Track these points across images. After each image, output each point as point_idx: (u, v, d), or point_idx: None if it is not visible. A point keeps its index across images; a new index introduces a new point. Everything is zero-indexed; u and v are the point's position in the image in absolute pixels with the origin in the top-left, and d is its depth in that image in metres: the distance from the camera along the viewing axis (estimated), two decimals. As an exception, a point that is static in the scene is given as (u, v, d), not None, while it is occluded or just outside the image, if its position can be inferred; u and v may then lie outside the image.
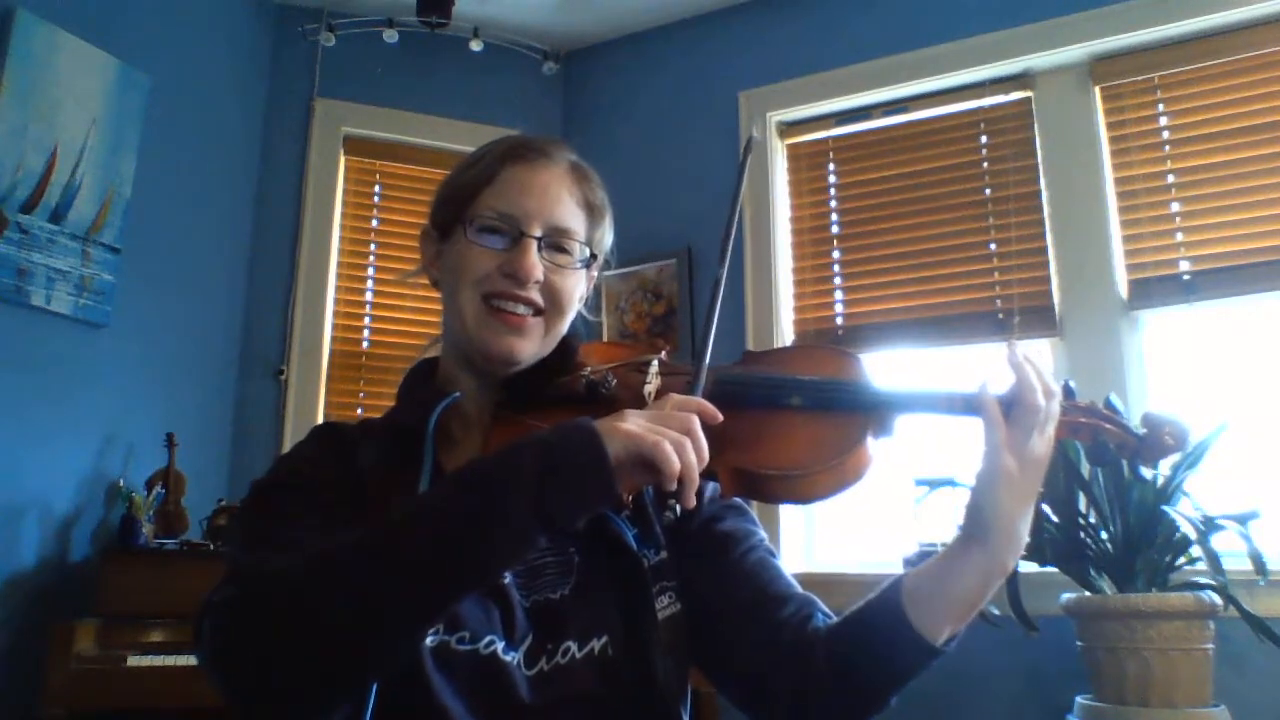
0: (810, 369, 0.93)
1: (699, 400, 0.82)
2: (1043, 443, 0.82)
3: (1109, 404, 0.91)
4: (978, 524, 0.82)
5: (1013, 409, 0.82)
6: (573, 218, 1.00)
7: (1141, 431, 0.88)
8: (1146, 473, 1.97)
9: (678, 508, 0.78)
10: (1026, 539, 0.83)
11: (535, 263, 0.96)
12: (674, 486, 0.76)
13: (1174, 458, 2.12)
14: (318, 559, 0.77)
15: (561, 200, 0.99)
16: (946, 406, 0.86)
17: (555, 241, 0.99)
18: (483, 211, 0.97)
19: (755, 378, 0.94)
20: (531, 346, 0.98)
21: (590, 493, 0.77)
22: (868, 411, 0.87)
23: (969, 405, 0.84)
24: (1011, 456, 0.80)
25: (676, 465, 0.75)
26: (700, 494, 1.00)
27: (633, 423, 0.77)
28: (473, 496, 0.76)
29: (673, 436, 0.76)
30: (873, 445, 0.86)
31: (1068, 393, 0.90)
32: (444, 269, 1.02)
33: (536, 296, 0.97)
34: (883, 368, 2.93)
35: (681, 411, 0.79)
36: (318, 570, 0.76)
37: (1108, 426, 0.88)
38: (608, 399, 0.95)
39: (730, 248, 0.96)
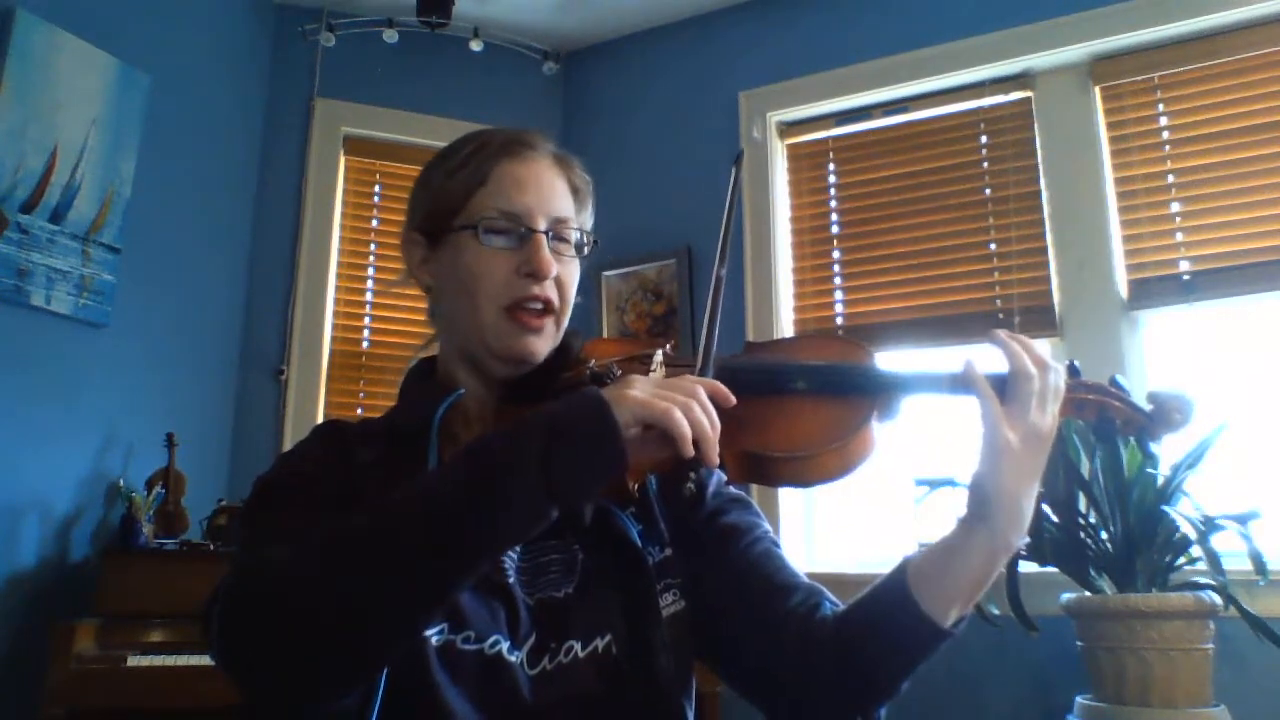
0: (813, 355, 0.94)
1: (711, 381, 0.81)
2: (1043, 416, 0.82)
3: (1114, 382, 0.91)
4: (981, 501, 0.82)
5: (1006, 382, 0.83)
6: (567, 205, 1.01)
7: (1148, 408, 0.88)
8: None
9: (698, 477, 0.76)
10: (1030, 516, 0.83)
11: (549, 257, 0.96)
12: (690, 452, 0.74)
13: (1175, 458, 2.14)
14: (320, 542, 0.75)
15: (556, 189, 1.00)
16: (947, 386, 0.87)
17: (558, 231, 0.99)
18: (485, 214, 0.96)
19: (759, 363, 0.95)
20: (548, 344, 0.99)
21: (600, 462, 0.75)
22: (872, 394, 0.88)
23: (961, 382, 0.84)
24: (1011, 430, 0.81)
25: (687, 429, 0.74)
26: (704, 488, 1.01)
27: (640, 389, 0.76)
28: (477, 472, 0.74)
29: (680, 400, 0.75)
30: (877, 427, 0.87)
31: (1072, 371, 0.90)
32: (443, 275, 1.01)
33: (553, 293, 0.97)
34: (885, 362, 2.95)
35: (691, 383, 0.78)
36: (320, 554, 0.75)
37: (1114, 403, 0.88)
38: None
39: (727, 252, 0.95)
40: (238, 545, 0.87)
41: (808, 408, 0.89)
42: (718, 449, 0.76)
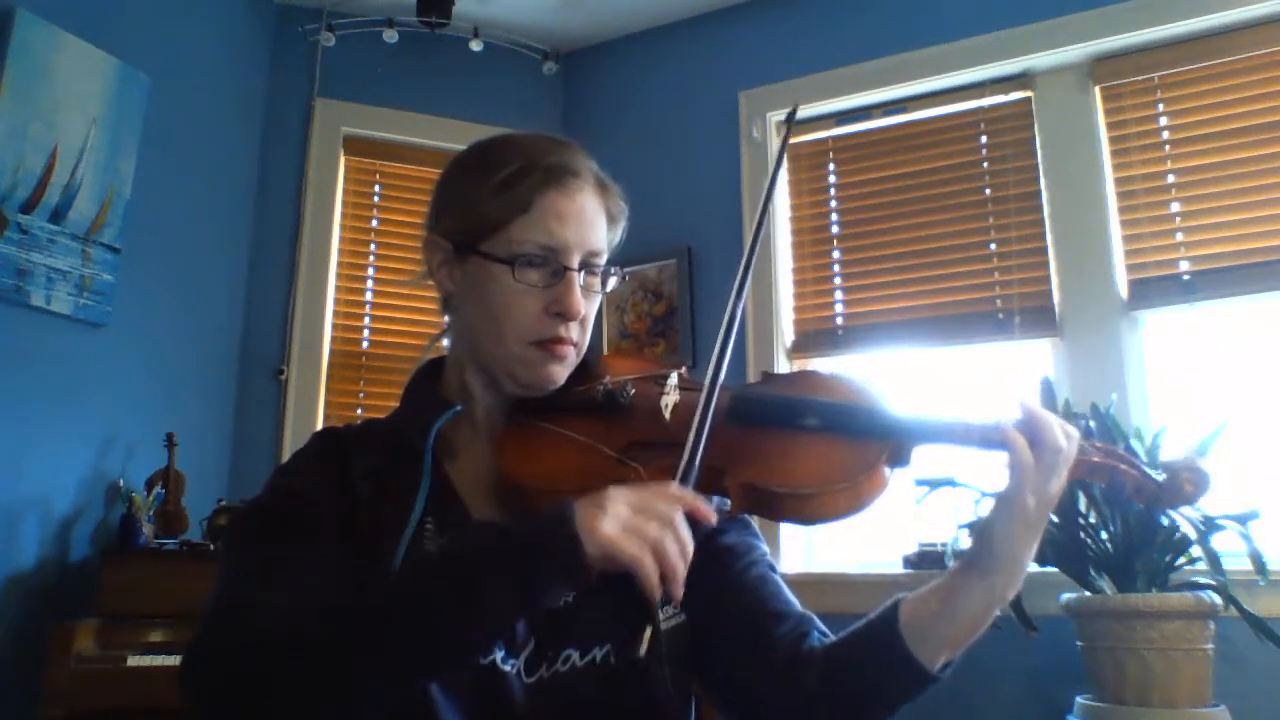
0: (828, 395, 0.94)
1: (692, 498, 0.79)
2: (1059, 484, 0.82)
3: (1128, 448, 0.90)
4: (985, 557, 0.82)
5: (1035, 449, 0.81)
6: (603, 237, 1.00)
7: (1160, 477, 0.87)
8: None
9: (655, 629, 0.77)
10: (1025, 572, 0.84)
11: (580, 299, 0.96)
12: (655, 596, 0.75)
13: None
14: (294, 626, 0.77)
15: (596, 224, 0.99)
16: (975, 439, 0.85)
17: (589, 266, 0.98)
18: (523, 248, 0.94)
19: (773, 396, 0.95)
20: (569, 370, 0.99)
21: (567, 588, 0.80)
22: (885, 438, 0.87)
23: (996, 441, 0.83)
24: (1031, 496, 0.80)
25: (655, 576, 0.74)
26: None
27: (613, 517, 0.75)
28: (461, 585, 0.76)
29: (653, 537, 0.74)
30: (887, 472, 0.86)
31: (1085, 434, 0.89)
32: (468, 290, 0.98)
33: (576, 332, 0.97)
34: (886, 372, 2.95)
35: (669, 504, 0.77)
36: (294, 641, 0.77)
37: (1125, 469, 0.87)
38: (625, 408, 0.97)
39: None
40: (220, 574, 0.89)
41: (818, 446, 0.88)
42: (682, 585, 0.75)
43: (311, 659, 0.75)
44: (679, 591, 0.75)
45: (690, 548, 0.76)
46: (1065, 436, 0.82)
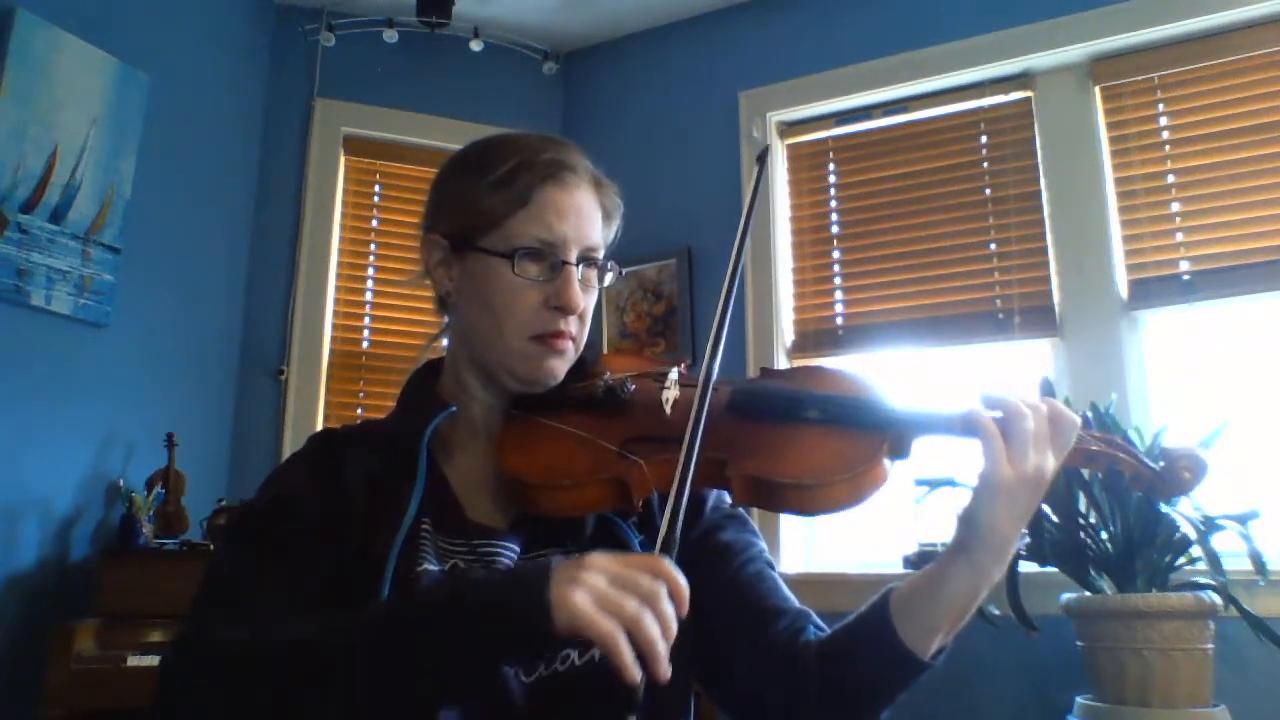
0: (827, 389, 0.94)
1: (676, 577, 0.72)
2: (1043, 457, 0.81)
3: (1126, 437, 0.90)
4: (970, 535, 0.82)
5: (1004, 425, 0.82)
6: (600, 232, 1.01)
7: (1158, 465, 0.87)
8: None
9: (635, 700, 0.69)
10: (1013, 553, 0.84)
11: (579, 293, 0.96)
12: (631, 680, 0.68)
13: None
14: (259, 654, 0.78)
15: (593, 219, 0.99)
16: (957, 428, 0.85)
17: (587, 260, 0.99)
18: (523, 241, 0.95)
19: (773, 389, 0.95)
20: (568, 365, 0.99)
21: (528, 654, 0.84)
22: (885, 430, 0.87)
23: (968, 424, 0.83)
24: (1010, 468, 0.80)
25: (629, 657, 0.67)
26: (703, 503, 1.01)
27: (588, 588, 0.69)
28: (408, 644, 0.74)
29: (629, 615, 0.68)
30: (887, 464, 0.87)
31: (1084, 422, 0.89)
32: (466, 287, 0.99)
33: (575, 326, 0.98)
34: (886, 371, 2.95)
35: (652, 579, 0.71)
36: (251, 678, 0.78)
37: (1123, 457, 0.87)
38: (626, 403, 0.97)
39: (742, 256, 0.94)
40: (200, 585, 0.89)
41: (819, 438, 0.89)
42: (666, 663, 0.68)
43: (268, 699, 0.76)
44: (662, 671, 0.68)
45: (674, 626, 0.69)
46: (1028, 406, 0.82)
